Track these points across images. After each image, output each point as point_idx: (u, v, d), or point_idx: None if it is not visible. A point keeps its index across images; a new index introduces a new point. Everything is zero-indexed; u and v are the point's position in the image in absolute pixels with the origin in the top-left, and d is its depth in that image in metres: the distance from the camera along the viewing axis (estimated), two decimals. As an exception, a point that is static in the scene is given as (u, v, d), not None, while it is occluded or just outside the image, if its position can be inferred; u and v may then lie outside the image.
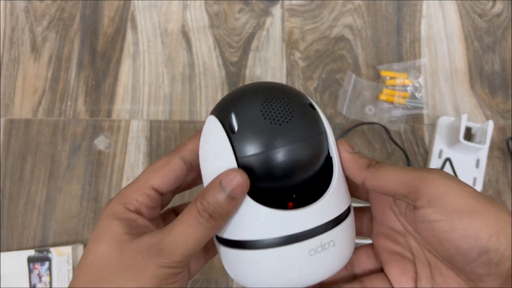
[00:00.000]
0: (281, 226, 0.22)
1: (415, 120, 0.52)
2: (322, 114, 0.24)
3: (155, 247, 0.22)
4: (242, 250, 0.23)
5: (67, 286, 0.47)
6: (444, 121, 0.51)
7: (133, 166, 0.51)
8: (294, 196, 0.23)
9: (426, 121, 0.52)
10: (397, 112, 0.52)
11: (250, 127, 0.22)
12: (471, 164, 0.50)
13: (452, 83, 0.53)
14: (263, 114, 0.22)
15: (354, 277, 0.29)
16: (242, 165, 0.22)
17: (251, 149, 0.22)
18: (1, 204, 0.50)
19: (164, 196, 0.26)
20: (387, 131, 0.51)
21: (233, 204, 0.22)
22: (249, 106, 0.22)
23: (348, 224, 0.24)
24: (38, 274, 0.47)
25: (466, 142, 0.47)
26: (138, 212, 0.25)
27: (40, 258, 0.47)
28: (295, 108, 0.22)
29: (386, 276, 0.27)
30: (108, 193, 0.50)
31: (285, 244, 0.22)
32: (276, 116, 0.22)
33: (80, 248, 0.48)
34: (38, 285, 0.47)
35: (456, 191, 0.21)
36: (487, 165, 0.50)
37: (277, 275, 0.23)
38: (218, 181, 0.22)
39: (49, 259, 0.47)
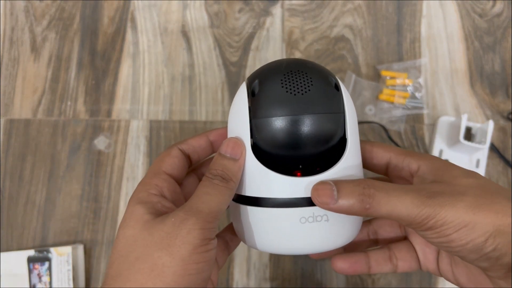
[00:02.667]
0: (277, 189, 0.24)
1: (415, 120, 0.52)
2: (348, 97, 0.25)
3: (180, 217, 0.23)
4: (243, 205, 0.25)
5: (67, 286, 0.47)
6: (444, 121, 0.51)
7: (133, 166, 0.51)
8: (300, 166, 0.24)
9: (426, 121, 0.52)
10: (397, 112, 0.52)
11: (267, 93, 0.23)
12: (471, 164, 0.50)
13: (452, 83, 0.53)
14: (282, 83, 0.23)
15: (377, 243, 0.31)
16: (255, 126, 0.24)
17: (265, 113, 0.23)
18: (0, 204, 0.50)
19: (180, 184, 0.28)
20: (387, 131, 0.51)
21: (237, 164, 0.25)
22: (273, 75, 0.24)
23: None
24: (38, 274, 0.47)
25: (466, 142, 0.47)
26: (161, 195, 0.26)
27: (40, 258, 0.47)
28: (316, 83, 0.23)
29: (412, 244, 0.29)
30: (108, 193, 0.50)
31: (278, 206, 0.24)
32: (294, 87, 0.23)
33: (80, 248, 0.48)
34: (38, 285, 0.47)
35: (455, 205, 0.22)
36: (487, 165, 0.50)
37: (268, 237, 0.25)
38: (218, 152, 0.25)
39: (49, 259, 0.47)
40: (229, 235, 0.31)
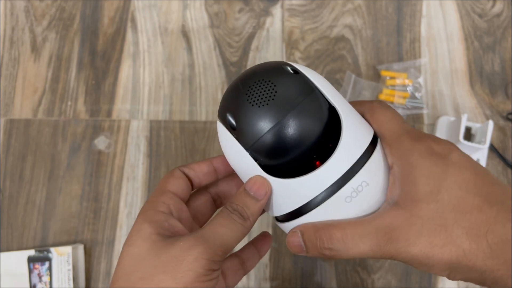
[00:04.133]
0: (310, 189, 0.23)
1: (415, 120, 0.52)
2: (310, 71, 0.25)
3: (190, 242, 0.23)
4: (290, 221, 0.25)
5: (67, 286, 0.47)
6: (444, 121, 0.51)
7: (133, 166, 0.51)
8: (314, 156, 0.24)
9: (426, 121, 0.52)
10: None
11: (244, 119, 0.24)
12: (471, 164, 0.50)
13: (452, 83, 0.53)
14: (250, 102, 0.23)
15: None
16: (254, 153, 0.24)
17: (254, 137, 0.23)
18: (1, 204, 0.50)
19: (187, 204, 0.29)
20: (387, 131, 0.51)
21: (258, 205, 0.25)
22: (238, 99, 0.24)
23: (375, 159, 0.24)
24: (38, 274, 0.47)
25: (466, 142, 0.47)
26: (168, 213, 0.26)
27: (40, 258, 0.47)
28: (276, 83, 0.23)
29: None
30: (108, 193, 0.50)
31: (321, 203, 0.23)
32: (261, 99, 0.23)
33: (80, 248, 0.48)
34: (38, 285, 0.47)
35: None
36: (487, 165, 0.50)
37: None
38: (243, 187, 0.25)
39: (49, 259, 0.47)
40: (247, 254, 0.31)
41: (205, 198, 0.30)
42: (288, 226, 0.26)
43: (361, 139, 0.24)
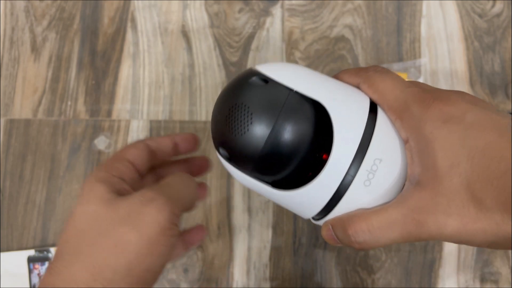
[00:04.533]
0: (327, 187, 0.23)
1: (415, 120, 0.52)
2: (282, 68, 0.24)
3: (149, 196, 0.22)
4: (324, 218, 0.25)
5: (67, 286, 0.47)
6: (444, 121, 0.51)
7: (133, 166, 0.51)
8: (318, 155, 0.23)
9: (426, 121, 0.52)
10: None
11: (233, 150, 0.23)
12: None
13: (452, 83, 0.53)
14: (233, 134, 0.23)
15: None
16: (258, 175, 0.24)
17: (249, 163, 0.23)
18: (1, 204, 0.50)
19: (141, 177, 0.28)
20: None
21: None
22: (221, 132, 0.24)
23: (379, 132, 0.23)
24: (38, 274, 0.47)
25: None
26: (121, 178, 0.25)
27: (40, 258, 0.47)
28: (249, 104, 0.23)
29: None
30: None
31: (342, 195, 0.23)
32: (241, 127, 0.23)
33: (80, 248, 0.48)
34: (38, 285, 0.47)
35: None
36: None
37: None
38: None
39: (49, 259, 0.47)
40: (188, 238, 0.31)
41: (156, 178, 0.30)
42: (322, 222, 0.25)
43: (357, 118, 0.23)
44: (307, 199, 0.24)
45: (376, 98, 0.24)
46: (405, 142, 0.23)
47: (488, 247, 0.21)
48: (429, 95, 0.22)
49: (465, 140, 0.20)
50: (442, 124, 0.21)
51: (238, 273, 0.48)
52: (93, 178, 0.24)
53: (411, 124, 0.22)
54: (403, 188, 0.23)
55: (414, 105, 0.22)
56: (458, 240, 0.21)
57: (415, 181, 0.22)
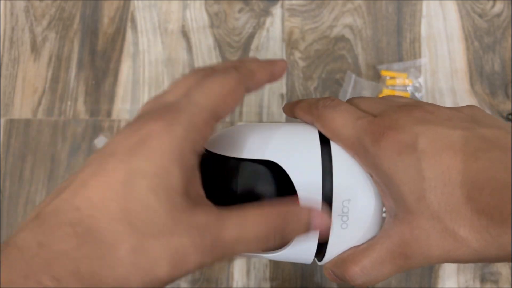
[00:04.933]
0: (308, 243, 0.23)
1: (415, 120, 0.52)
2: (227, 138, 0.23)
3: (208, 237, 0.18)
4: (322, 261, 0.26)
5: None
6: (444, 121, 0.51)
7: (133, 166, 0.51)
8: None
9: (426, 121, 0.52)
10: (397, 112, 0.52)
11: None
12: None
13: (452, 83, 0.53)
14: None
15: None
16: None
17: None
18: (0, 204, 0.50)
19: None
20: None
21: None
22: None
23: (338, 174, 0.22)
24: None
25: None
26: (199, 156, 0.20)
27: (40, 258, 0.47)
28: (208, 185, 0.22)
29: None
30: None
31: (324, 247, 0.23)
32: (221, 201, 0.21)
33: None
34: (38, 285, 0.47)
35: None
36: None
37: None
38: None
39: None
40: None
41: None
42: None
43: (311, 167, 0.22)
44: (295, 255, 0.24)
45: (330, 137, 0.23)
46: (370, 175, 0.22)
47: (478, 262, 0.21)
48: (379, 125, 0.21)
49: (422, 172, 0.20)
50: (397, 156, 0.20)
51: (238, 273, 0.48)
52: (176, 151, 0.18)
53: (369, 161, 0.22)
54: (384, 216, 0.24)
55: (366, 141, 0.21)
56: (449, 262, 0.21)
57: (393, 213, 0.22)
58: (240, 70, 0.21)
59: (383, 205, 0.23)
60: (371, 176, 0.22)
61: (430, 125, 0.20)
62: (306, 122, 0.25)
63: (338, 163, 0.22)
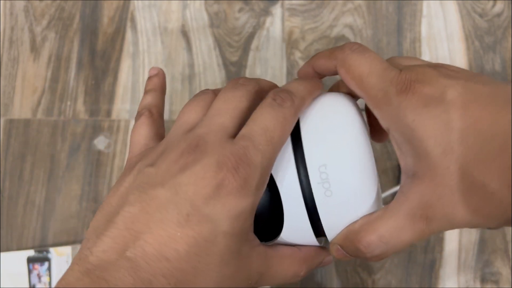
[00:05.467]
0: (299, 222, 0.23)
1: (415, 120, 0.52)
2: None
3: (258, 277, 0.22)
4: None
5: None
6: (445, 121, 0.51)
7: (133, 166, 0.50)
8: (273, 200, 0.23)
9: (426, 121, 0.52)
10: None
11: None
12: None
13: (453, 83, 0.53)
14: None
15: None
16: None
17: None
18: (0, 204, 0.50)
19: None
20: (387, 131, 0.51)
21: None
22: None
23: (307, 132, 0.22)
24: (38, 274, 0.47)
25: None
26: None
27: (39, 258, 0.47)
28: None
29: None
30: (108, 194, 0.50)
31: (318, 220, 0.23)
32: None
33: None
34: (38, 285, 0.47)
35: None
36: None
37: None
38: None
39: (48, 259, 0.47)
40: None
41: None
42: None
43: (284, 148, 0.22)
44: (294, 237, 0.23)
45: (353, 85, 0.22)
46: (387, 130, 0.21)
47: (504, 225, 0.20)
48: (406, 77, 0.20)
49: (450, 122, 0.19)
50: (423, 109, 0.19)
51: (238, 273, 0.48)
52: (247, 228, 0.21)
53: (391, 114, 0.20)
54: (377, 183, 0.22)
55: (391, 92, 0.20)
56: (472, 226, 0.20)
57: (411, 173, 0.20)
58: (295, 101, 0.21)
59: (372, 165, 0.22)
60: (389, 131, 0.21)
61: (457, 79, 0.20)
62: (323, 75, 0.25)
63: (307, 129, 0.22)
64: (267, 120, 0.20)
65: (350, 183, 0.21)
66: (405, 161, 0.20)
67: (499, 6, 0.55)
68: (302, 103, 0.22)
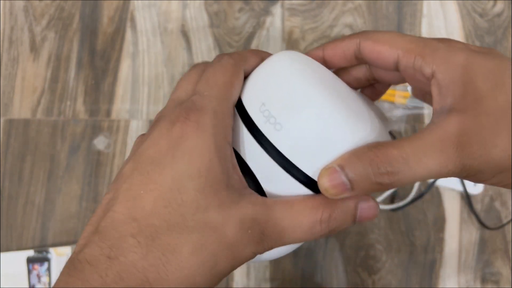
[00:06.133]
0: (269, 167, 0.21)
1: (416, 119, 0.52)
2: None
3: (257, 228, 0.19)
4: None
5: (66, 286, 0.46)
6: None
7: (133, 166, 0.50)
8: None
9: (427, 120, 0.52)
10: (398, 112, 0.52)
11: None
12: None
13: (453, 83, 0.53)
14: None
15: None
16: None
17: None
18: (0, 204, 0.49)
19: None
20: (387, 131, 0.51)
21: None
22: None
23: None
24: (37, 275, 0.47)
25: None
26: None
27: (39, 259, 0.47)
28: None
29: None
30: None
31: (288, 164, 0.21)
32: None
33: (79, 249, 0.48)
34: (37, 285, 0.47)
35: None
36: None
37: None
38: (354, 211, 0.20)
39: (48, 260, 0.47)
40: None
41: None
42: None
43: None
44: (281, 193, 0.21)
45: (385, 49, 0.21)
46: (429, 77, 0.20)
47: None
48: (441, 39, 0.21)
49: (503, 65, 0.19)
50: (474, 53, 0.20)
51: (238, 273, 0.48)
52: (224, 141, 0.20)
53: (439, 56, 0.20)
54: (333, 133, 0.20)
55: (435, 42, 0.20)
56: (501, 167, 0.18)
57: (446, 109, 0.19)
58: (232, 56, 0.22)
59: (344, 96, 0.21)
60: (434, 76, 0.20)
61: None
62: (330, 64, 0.25)
63: (246, 84, 0.23)
64: (208, 73, 0.22)
65: (297, 112, 0.20)
66: (444, 102, 0.19)
67: (499, 6, 0.55)
68: (241, 58, 0.23)
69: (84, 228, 0.20)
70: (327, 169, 0.19)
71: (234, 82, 0.22)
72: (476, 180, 0.19)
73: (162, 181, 0.18)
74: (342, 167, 0.18)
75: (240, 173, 0.21)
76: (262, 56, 0.24)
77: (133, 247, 0.17)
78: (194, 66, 0.23)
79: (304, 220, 0.19)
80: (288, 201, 0.20)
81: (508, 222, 0.49)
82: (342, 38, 0.24)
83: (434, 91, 0.20)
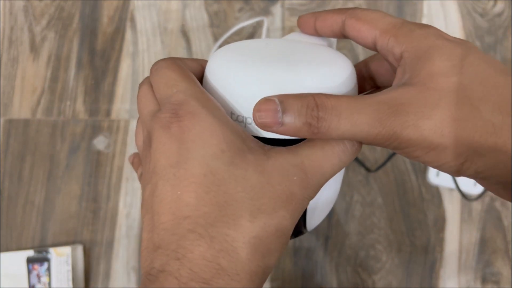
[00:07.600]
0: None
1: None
2: None
3: (299, 172, 0.19)
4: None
5: (66, 286, 0.47)
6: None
7: (133, 166, 0.50)
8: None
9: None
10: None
11: None
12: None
13: (453, 83, 0.53)
14: None
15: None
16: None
17: None
18: (0, 204, 0.49)
19: None
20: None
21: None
22: None
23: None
24: (37, 275, 0.47)
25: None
26: None
27: (39, 259, 0.47)
28: None
29: None
30: (107, 193, 0.50)
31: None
32: None
33: (79, 249, 0.48)
34: (37, 285, 0.47)
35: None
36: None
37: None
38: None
39: (48, 260, 0.47)
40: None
41: None
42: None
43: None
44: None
45: (365, 28, 0.22)
46: (398, 59, 0.21)
47: (463, 165, 0.18)
48: (423, 24, 0.22)
49: (468, 52, 0.20)
50: (444, 39, 0.21)
51: (238, 273, 0.48)
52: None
53: (410, 36, 0.20)
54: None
55: (411, 25, 0.21)
56: (430, 143, 0.18)
57: (401, 83, 0.20)
58: (164, 59, 0.25)
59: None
60: (402, 57, 0.21)
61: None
62: (320, 32, 0.25)
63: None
64: (159, 78, 0.24)
65: (253, 102, 0.20)
66: (403, 77, 0.20)
67: (499, 6, 0.55)
68: (174, 58, 0.25)
69: (82, 229, 0.20)
70: (266, 99, 0.19)
71: (184, 69, 0.23)
72: (408, 154, 0.19)
73: (192, 173, 0.18)
74: (281, 101, 0.19)
75: (250, 135, 0.21)
76: (200, 62, 0.26)
77: (196, 240, 0.17)
78: (140, 85, 0.25)
79: (331, 148, 0.20)
80: (306, 141, 0.20)
81: (485, 191, 0.49)
82: (333, 10, 0.24)
83: (399, 71, 0.21)
